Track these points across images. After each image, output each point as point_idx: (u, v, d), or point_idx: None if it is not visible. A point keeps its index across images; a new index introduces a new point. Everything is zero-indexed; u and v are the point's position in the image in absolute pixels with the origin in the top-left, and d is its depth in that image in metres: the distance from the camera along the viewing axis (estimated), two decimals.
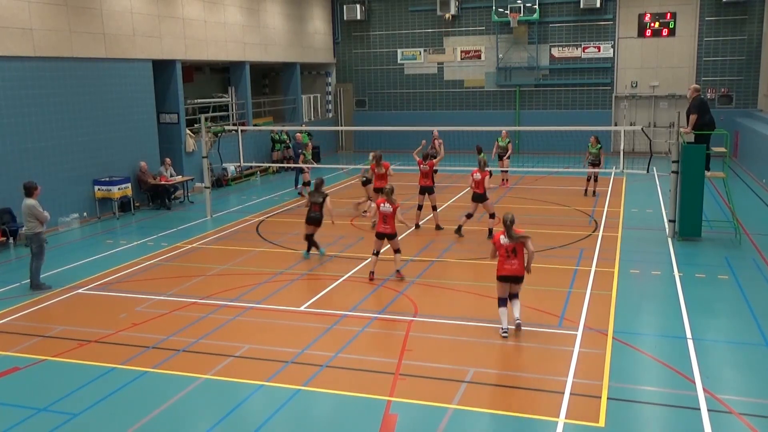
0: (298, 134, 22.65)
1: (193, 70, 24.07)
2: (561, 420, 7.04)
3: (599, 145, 19.49)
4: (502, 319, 9.30)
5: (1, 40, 15.10)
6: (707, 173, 14.24)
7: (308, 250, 13.60)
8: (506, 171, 21.64)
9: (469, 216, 14.82)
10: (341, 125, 32.19)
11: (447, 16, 29.97)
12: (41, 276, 12.16)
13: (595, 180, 19.70)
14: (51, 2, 16.34)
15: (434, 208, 15.74)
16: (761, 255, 13.09)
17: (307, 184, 20.03)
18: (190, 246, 14.83)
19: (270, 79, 31.20)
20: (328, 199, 13.40)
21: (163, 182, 19.25)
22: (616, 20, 28.43)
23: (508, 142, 21.50)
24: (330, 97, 32.33)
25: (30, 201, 11.82)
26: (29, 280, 12.08)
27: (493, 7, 28.91)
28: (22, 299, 11.41)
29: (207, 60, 22.88)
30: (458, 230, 14.98)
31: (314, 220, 13.43)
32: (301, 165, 20.15)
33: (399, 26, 31.33)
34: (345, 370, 8.44)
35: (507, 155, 21.40)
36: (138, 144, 19.28)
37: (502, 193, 20.17)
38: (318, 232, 13.60)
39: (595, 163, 19.55)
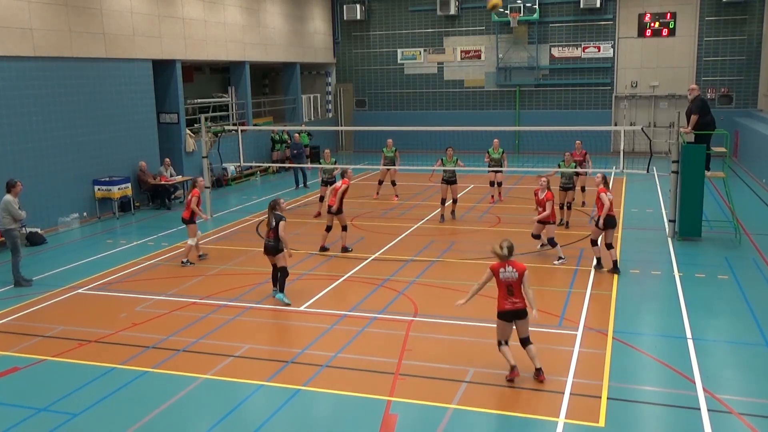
0: (296, 134, 22.67)
1: (193, 70, 24.08)
2: (561, 420, 7.04)
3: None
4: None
5: (1, 40, 15.09)
6: (707, 173, 14.24)
7: None
8: (500, 184, 18.91)
9: (537, 237, 13.51)
10: (341, 125, 32.19)
11: None
12: (44, 274, 12.43)
13: None
14: (51, 2, 16.33)
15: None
16: (761, 255, 13.09)
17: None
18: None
19: (270, 79, 31.20)
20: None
21: (163, 182, 19.25)
22: (616, 20, 28.42)
23: (502, 153, 18.43)
24: (330, 97, 32.33)
25: (7, 197, 12.03)
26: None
27: None
28: (22, 299, 11.41)
29: (207, 60, 22.87)
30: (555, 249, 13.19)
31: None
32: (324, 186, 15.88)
33: (399, 26, 31.32)
34: (345, 370, 8.43)
35: (502, 168, 18.45)
36: (138, 144, 19.27)
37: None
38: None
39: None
